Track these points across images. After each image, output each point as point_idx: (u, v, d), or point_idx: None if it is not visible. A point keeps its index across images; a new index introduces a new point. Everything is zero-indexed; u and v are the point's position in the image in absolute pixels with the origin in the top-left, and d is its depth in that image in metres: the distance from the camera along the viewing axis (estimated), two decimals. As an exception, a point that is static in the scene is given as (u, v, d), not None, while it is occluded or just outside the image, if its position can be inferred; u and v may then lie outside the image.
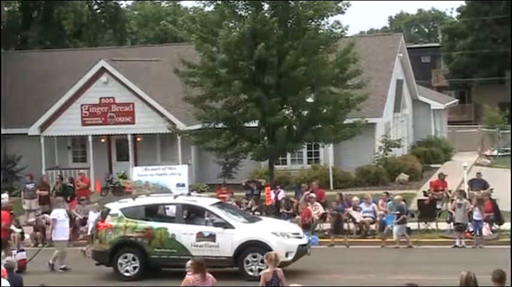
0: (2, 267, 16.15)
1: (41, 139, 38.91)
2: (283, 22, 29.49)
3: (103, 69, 38.32)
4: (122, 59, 40.86)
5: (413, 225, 27.67)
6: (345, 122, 30.57)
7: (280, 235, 21.90)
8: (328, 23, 29.97)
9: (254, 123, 30.51)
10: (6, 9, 53.58)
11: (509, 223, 26.76)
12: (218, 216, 22.14)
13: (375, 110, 37.87)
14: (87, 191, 33.58)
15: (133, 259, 22.22)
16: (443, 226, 27.51)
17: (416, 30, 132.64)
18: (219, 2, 30.83)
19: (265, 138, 30.30)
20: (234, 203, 29.22)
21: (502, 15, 68.48)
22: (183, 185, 26.28)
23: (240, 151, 31.22)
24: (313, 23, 29.73)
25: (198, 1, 32.09)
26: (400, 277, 20.24)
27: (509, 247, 23.08)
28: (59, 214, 24.54)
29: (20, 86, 43.25)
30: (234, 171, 37.88)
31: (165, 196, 24.45)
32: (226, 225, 21.85)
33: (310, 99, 30.28)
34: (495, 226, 27.28)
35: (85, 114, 38.42)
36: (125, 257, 22.33)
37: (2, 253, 23.28)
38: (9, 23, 54.19)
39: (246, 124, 30.41)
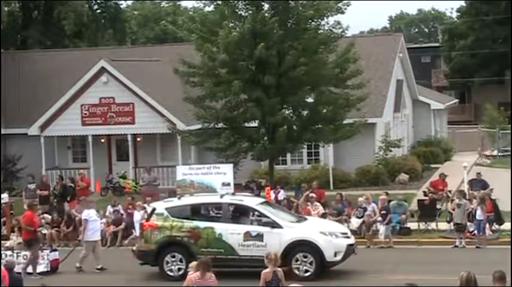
0: (2, 267, 16.14)
1: (41, 139, 38.90)
2: (283, 22, 29.47)
3: (103, 69, 38.32)
4: (122, 59, 40.86)
5: (413, 225, 27.69)
6: (344, 122, 30.57)
7: (328, 234, 21.72)
8: (328, 23, 29.98)
9: (254, 123, 30.50)
10: (6, 9, 53.64)
11: (509, 223, 26.76)
12: (266, 215, 21.95)
13: (375, 110, 37.87)
14: (87, 191, 33.54)
15: (180, 261, 21.98)
16: (443, 226, 27.51)
17: (416, 30, 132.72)
18: (219, 2, 30.82)
19: (265, 138, 30.29)
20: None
21: (502, 15, 68.49)
22: (229, 184, 25.99)
23: (240, 151, 31.20)
24: (313, 23, 29.73)
25: (198, 1, 32.09)
26: (400, 277, 20.24)
27: (509, 247, 23.09)
28: (90, 214, 24.29)
29: (20, 86, 43.25)
30: (234, 171, 37.78)
31: (211, 195, 24.16)
32: (274, 224, 21.65)
33: (310, 99, 30.29)
34: (495, 226, 27.28)
35: (85, 114, 38.42)
36: (172, 257, 22.07)
37: (28, 253, 23.26)
38: (9, 23, 54.25)
39: (246, 124, 30.40)
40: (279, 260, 15.63)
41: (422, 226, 27.91)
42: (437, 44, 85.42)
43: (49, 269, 23.52)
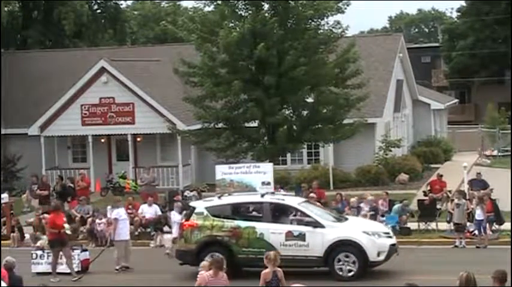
0: (2, 268, 16.13)
1: (41, 139, 38.90)
2: (283, 22, 29.49)
3: (103, 69, 38.32)
4: (122, 59, 40.85)
5: (413, 225, 27.68)
6: (344, 122, 30.58)
7: (371, 234, 21.53)
8: (328, 23, 30.01)
9: (254, 123, 30.51)
10: (6, 9, 53.63)
11: (509, 223, 26.76)
12: (308, 215, 21.74)
13: (375, 110, 37.88)
14: (87, 191, 33.58)
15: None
16: (443, 226, 27.51)
17: (416, 30, 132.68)
18: (219, 2, 30.85)
19: (265, 138, 30.30)
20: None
21: (502, 15, 68.49)
22: (269, 183, 25.73)
23: (240, 151, 31.21)
24: (313, 23, 29.77)
25: (198, 1, 32.14)
26: (404, 277, 20.23)
27: (509, 247, 23.08)
28: (120, 214, 24.15)
29: (20, 86, 43.27)
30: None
31: (252, 195, 23.87)
32: (316, 224, 21.43)
33: (310, 99, 30.29)
34: (495, 226, 27.27)
35: (85, 114, 38.42)
36: (212, 257, 21.90)
37: (62, 253, 23.19)
38: (9, 23, 54.24)
39: (246, 124, 30.41)
40: (278, 260, 15.60)
41: (422, 226, 27.90)
42: (437, 44, 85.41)
43: (80, 269, 23.43)
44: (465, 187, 29.82)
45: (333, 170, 37.09)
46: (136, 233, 29.04)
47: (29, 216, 32.44)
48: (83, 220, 29.47)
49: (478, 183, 30.61)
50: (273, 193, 23.62)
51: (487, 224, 26.41)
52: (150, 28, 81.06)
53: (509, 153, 47.66)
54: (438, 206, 29.10)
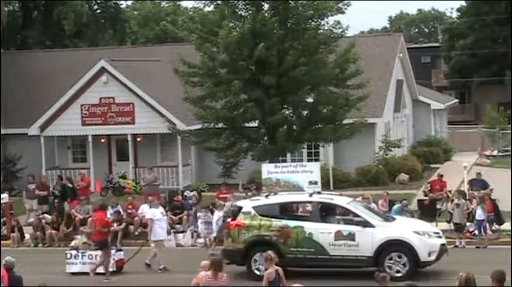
0: (2, 267, 16.12)
1: (41, 139, 38.90)
2: (283, 22, 29.46)
3: (103, 69, 38.32)
4: (122, 59, 40.85)
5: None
6: (344, 121, 30.57)
7: (422, 233, 21.37)
8: (328, 23, 29.98)
9: (254, 123, 30.49)
10: (6, 9, 53.63)
11: (509, 223, 26.77)
12: (357, 214, 21.58)
13: (375, 110, 37.88)
14: (87, 191, 33.61)
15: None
16: (443, 226, 27.47)
17: (416, 30, 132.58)
18: (219, 2, 30.81)
19: (265, 138, 30.29)
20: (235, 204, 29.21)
21: (502, 15, 68.50)
22: (316, 182, 25.58)
23: (240, 151, 31.20)
24: (313, 23, 29.73)
25: (198, 1, 32.08)
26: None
27: (509, 247, 23.09)
28: (155, 213, 23.97)
29: (20, 86, 43.27)
30: (234, 171, 37.89)
31: (299, 194, 23.76)
32: (365, 224, 21.25)
33: (310, 99, 30.29)
34: (495, 226, 27.28)
35: (85, 114, 38.42)
36: (258, 257, 21.40)
37: (100, 253, 23.10)
38: (9, 23, 54.23)
39: (246, 124, 30.39)
40: (277, 259, 15.63)
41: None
42: (437, 44, 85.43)
43: (115, 269, 23.34)
44: (465, 187, 29.83)
45: (333, 170, 37.09)
46: (136, 233, 29.06)
47: (29, 216, 32.46)
48: (84, 220, 29.44)
49: (478, 183, 30.63)
50: (319, 193, 23.38)
51: (487, 224, 26.43)
52: (150, 28, 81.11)
53: (509, 153, 47.66)
54: (438, 206, 29.11)
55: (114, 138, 40.21)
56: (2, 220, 30.03)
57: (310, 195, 22.62)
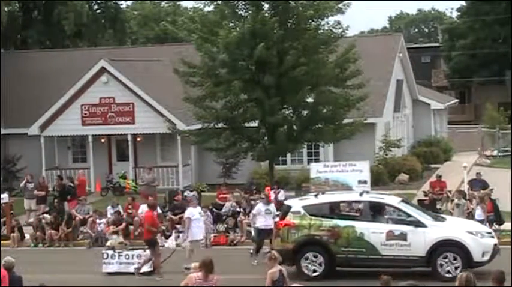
0: (2, 267, 16.10)
1: (41, 139, 38.90)
2: (283, 22, 29.48)
3: (103, 69, 38.32)
4: (122, 59, 40.85)
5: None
6: (344, 121, 30.57)
7: (475, 233, 21.03)
8: (328, 23, 29.99)
9: (254, 124, 30.50)
10: (6, 9, 53.62)
11: (509, 223, 26.76)
12: (409, 214, 21.29)
13: (375, 110, 37.86)
14: (83, 190, 33.74)
15: (319, 259, 21.30)
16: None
17: (416, 30, 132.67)
18: (219, 2, 30.82)
19: (265, 138, 30.29)
20: (234, 204, 29.19)
21: (502, 15, 68.50)
22: (365, 182, 25.34)
23: (240, 151, 31.22)
24: (313, 23, 29.74)
25: (198, 1, 32.10)
26: (401, 277, 20.17)
27: (509, 247, 23.06)
28: (193, 213, 23.70)
29: (20, 86, 43.25)
30: (234, 171, 37.88)
31: (349, 193, 23.54)
32: (418, 223, 20.94)
33: (310, 99, 30.29)
34: (495, 226, 27.25)
35: (85, 114, 38.42)
36: (309, 257, 21.39)
37: (148, 252, 22.91)
38: (9, 23, 54.22)
39: (246, 124, 30.40)
40: (280, 258, 15.63)
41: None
42: (437, 44, 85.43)
43: (152, 269, 23.20)
44: (465, 187, 29.81)
45: (333, 170, 37.04)
46: (136, 233, 29.04)
47: (29, 216, 32.47)
48: (84, 220, 29.44)
49: (478, 183, 30.63)
50: (367, 192, 23.17)
51: (487, 224, 26.40)
52: (150, 28, 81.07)
53: (509, 153, 47.67)
54: (438, 206, 29.08)
55: (114, 138, 40.21)
56: (2, 220, 30.02)
57: (361, 194, 22.34)
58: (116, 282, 22.50)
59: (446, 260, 20.59)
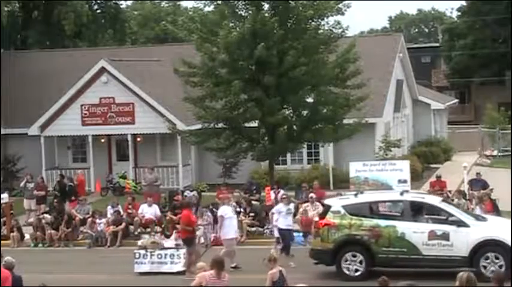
0: (4, 269, 16.08)
1: (41, 139, 38.90)
2: (283, 22, 29.47)
3: (103, 69, 38.32)
4: (122, 59, 40.85)
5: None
6: (345, 121, 30.58)
7: None
8: (328, 23, 30.00)
9: (254, 124, 30.50)
10: (6, 9, 53.62)
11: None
12: (451, 214, 21.11)
13: (375, 110, 37.86)
14: (82, 189, 33.81)
15: (359, 259, 21.18)
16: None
17: (416, 30, 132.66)
18: (219, 2, 30.83)
19: (265, 138, 30.29)
20: (234, 204, 29.17)
21: (502, 15, 68.51)
22: (405, 181, 25.13)
23: (240, 151, 31.22)
24: (313, 23, 29.74)
25: (198, 1, 32.10)
26: (405, 278, 20.16)
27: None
28: (226, 211, 23.48)
29: (20, 86, 43.25)
30: (234, 171, 37.88)
31: (390, 192, 23.36)
32: (460, 223, 20.73)
33: (310, 99, 30.29)
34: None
35: (85, 114, 38.42)
36: (349, 257, 21.23)
37: (184, 251, 22.70)
38: (9, 23, 54.22)
39: (246, 124, 30.40)
40: (278, 258, 15.65)
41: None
42: (437, 44, 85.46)
43: (186, 268, 22.99)
44: (465, 187, 29.81)
45: (333, 170, 37.10)
46: (136, 233, 29.06)
47: (29, 216, 32.47)
48: (84, 220, 29.44)
49: (478, 183, 30.63)
50: (406, 191, 22.97)
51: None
52: (150, 28, 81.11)
53: (509, 153, 47.67)
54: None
55: (114, 139, 40.22)
56: (2, 220, 30.02)
57: (401, 194, 22.18)
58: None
59: (488, 260, 20.35)
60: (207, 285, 14.54)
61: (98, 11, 61.42)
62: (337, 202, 22.28)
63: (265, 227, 28.15)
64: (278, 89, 29.35)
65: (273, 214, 24.49)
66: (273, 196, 29.91)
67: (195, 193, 32.13)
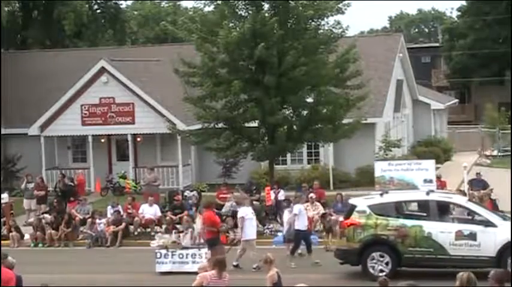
0: (7, 269, 16.04)
1: (41, 139, 38.90)
2: (283, 22, 29.48)
3: (103, 69, 38.32)
4: (122, 59, 40.85)
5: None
6: (344, 121, 30.58)
7: None
8: (328, 23, 30.01)
9: (254, 123, 30.50)
10: (6, 9, 53.63)
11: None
12: (478, 213, 20.98)
13: (375, 110, 37.88)
14: (81, 189, 33.77)
15: (385, 259, 21.04)
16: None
17: (416, 30, 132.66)
18: (219, 2, 30.84)
19: (265, 138, 30.29)
20: (234, 203, 29.17)
21: (502, 15, 68.50)
22: (431, 181, 25.06)
23: (240, 151, 31.21)
24: (313, 23, 29.76)
25: (198, 1, 32.10)
26: (403, 278, 20.18)
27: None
28: (247, 212, 23.35)
29: (20, 86, 43.26)
30: (234, 171, 37.87)
31: (416, 192, 23.12)
32: (488, 223, 20.54)
33: (310, 99, 30.29)
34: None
35: (85, 114, 38.42)
36: (375, 257, 21.10)
37: (206, 250, 22.54)
38: (9, 23, 54.24)
39: (246, 124, 30.40)
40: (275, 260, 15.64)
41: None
42: (437, 44, 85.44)
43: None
44: (465, 187, 29.80)
45: (333, 170, 37.10)
46: (136, 233, 29.07)
47: (29, 216, 32.45)
48: (84, 220, 29.44)
49: (478, 183, 30.61)
50: (432, 191, 22.65)
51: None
52: (150, 28, 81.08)
53: (509, 153, 47.67)
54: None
55: (114, 139, 40.22)
56: (2, 220, 30.02)
57: (428, 193, 21.94)
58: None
59: None
60: (208, 285, 14.56)
61: (98, 11, 61.44)
62: (362, 202, 22.10)
63: (265, 227, 28.16)
64: (278, 89, 29.36)
65: (295, 215, 24.04)
66: (273, 196, 29.91)
67: (195, 193, 32.12)
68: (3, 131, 40.83)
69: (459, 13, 79.78)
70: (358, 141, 33.80)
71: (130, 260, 25.50)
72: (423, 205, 22.13)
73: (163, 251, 23.52)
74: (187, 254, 23.25)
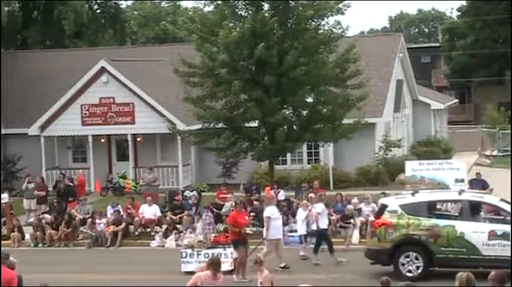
0: (8, 269, 16.04)
1: (41, 139, 38.89)
2: (283, 22, 29.48)
3: (103, 69, 38.31)
4: (122, 59, 40.85)
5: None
6: (344, 121, 30.58)
7: None
8: (328, 23, 30.01)
9: (254, 123, 30.50)
10: (6, 9, 53.62)
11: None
12: (511, 213, 20.70)
13: (375, 110, 37.89)
14: (82, 189, 33.78)
15: (416, 259, 20.83)
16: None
17: (416, 30, 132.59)
18: (219, 2, 30.83)
19: (265, 138, 30.29)
20: (234, 203, 29.16)
21: (502, 15, 68.51)
22: (462, 180, 24.78)
23: (240, 151, 31.20)
24: (313, 23, 29.74)
25: (198, 1, 32.11)
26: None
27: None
28: (273, 212, 23.11)
29: (20, 86, 43.26)
30: (234, 171, 37.88)
31: (447, 192, 22.96)
32: None
33: (310, 99, 30.29)
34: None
35: (85, 114, 38.42)
36: (407, 257, 20.91)
37: (232, 250, 22.47)
38: (9, 23, 54.23)
39: (246, 124, 30.40)
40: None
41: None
42: (437, 44, 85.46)
43: (233, 267, 22.52)
44: (465, 187, 29.77)
45: (333, 170, 37.10)
46: (137, 233, 29.06)
47: (29, 216, 32.46)
48: (84, 220, 29.43)
49: (478, 183, 30.58)
50: (462, 191, 22.65)
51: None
52: (150, 28, 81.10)
53: (509, 153, 47.67)
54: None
55: (114, 139, 40.21)
56: (2, 220, 30.02)
57: (460, 193, 21.90)
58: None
59: None
60: (202, 285, 14.55)
61: (98, 11, 61.43)
62: (393, 202, 21.95)
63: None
64: (278, 89, 29.36)
65: (319, 214, 23.90)
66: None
67: (195, 193, 32.11)
68: (3, 131, 40.84)
69: (459, 13, 79.76)
70: (358, 141, 33.80)
71: (131, 260, 25.49)
72: (455, 205, 21.99)
73: (189, 251, 23.45)
74: (212, 254, 23.04)
